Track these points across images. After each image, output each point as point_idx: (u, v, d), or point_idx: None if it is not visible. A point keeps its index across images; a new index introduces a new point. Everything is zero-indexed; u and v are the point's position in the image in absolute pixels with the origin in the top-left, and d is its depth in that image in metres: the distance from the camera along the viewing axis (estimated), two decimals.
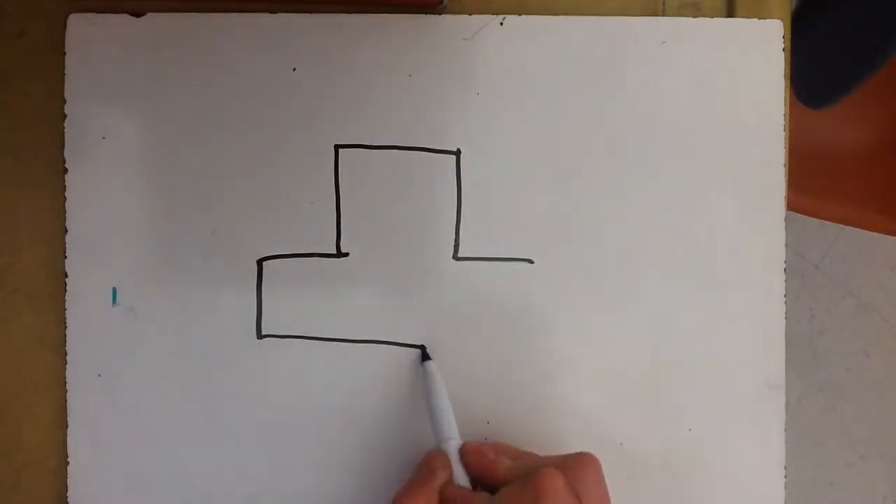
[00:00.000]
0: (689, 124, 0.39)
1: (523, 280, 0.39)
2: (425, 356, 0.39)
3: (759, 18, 0.39)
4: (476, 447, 0.36)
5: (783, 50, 0.39)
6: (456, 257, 0.39)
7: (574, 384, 0.39)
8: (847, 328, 1.23)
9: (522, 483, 0.32)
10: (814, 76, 0.63)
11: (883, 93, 0.82)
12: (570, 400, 0.39)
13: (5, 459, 0.40)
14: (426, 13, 0.39)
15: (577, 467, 0.33)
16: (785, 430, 0.39)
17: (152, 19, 0.39)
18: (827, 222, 0.86)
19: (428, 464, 0.35)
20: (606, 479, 0.34)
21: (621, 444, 0.39)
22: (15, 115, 0.40)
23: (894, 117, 0.84)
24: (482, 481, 0.35)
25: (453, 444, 0.36)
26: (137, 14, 0.39)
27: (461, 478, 0.35)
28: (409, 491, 0.34)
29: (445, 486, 0.34)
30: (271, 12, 0.39)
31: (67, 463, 0.39)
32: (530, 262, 0.39)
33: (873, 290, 1.24)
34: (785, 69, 0.39)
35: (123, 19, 0.39)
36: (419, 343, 0.39)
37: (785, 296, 0.39)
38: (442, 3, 0.38)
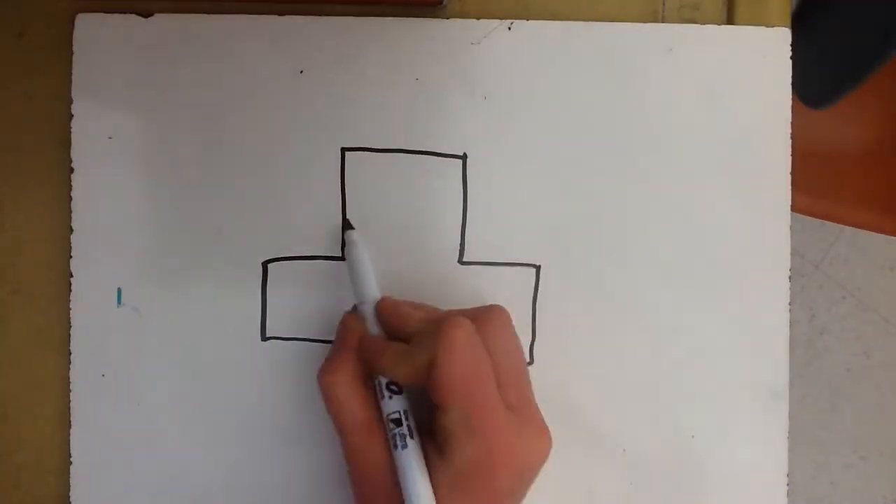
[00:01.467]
0: (696, 130, 0.39)
1: (529, 285, 0.39)
2: (348, 226, 0.39)
3: (760, 20, 0.39)
4: (392, 303, 0.35)
5: (790, 59, 0.39)
6: (461, 261, 0.39)
7: (578, 390, 0.39)
8: (847, 328, 1.24)
9: (432, 329, 0.32)
10: (814, 76, 0.64)
11: (883, 93, 0.83)
12: (573, 406, 0.39)
13: (7, 459, 0.40)
14: (426, 16, 0.39)
15: (486, 317, 0.34)
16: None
17: (160, 20, 0.39)
18: (827, 222, 0.86)
19: (344, 324, 0.36)
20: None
21: (624, 450, 0.39)
22: (17, 115, 0.40)
23: (894, 117, 0.84)
24: (397, 336, 0.35)
25: (369, 306, 0.36)
26: (145, 15, 0.39)
27: (377, 335, 0.35)
28: (331, 359, 0.34)
29: (362, 341, 0.34)
30: (279, 15, 0.39)
31: (70, 463, 0.39)
32: (536, 266, 0.39)
33: (873, 290, 1.24)
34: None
35: (131, 20, 0.39)
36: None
37: None
38: (441, 2, 0.38)
